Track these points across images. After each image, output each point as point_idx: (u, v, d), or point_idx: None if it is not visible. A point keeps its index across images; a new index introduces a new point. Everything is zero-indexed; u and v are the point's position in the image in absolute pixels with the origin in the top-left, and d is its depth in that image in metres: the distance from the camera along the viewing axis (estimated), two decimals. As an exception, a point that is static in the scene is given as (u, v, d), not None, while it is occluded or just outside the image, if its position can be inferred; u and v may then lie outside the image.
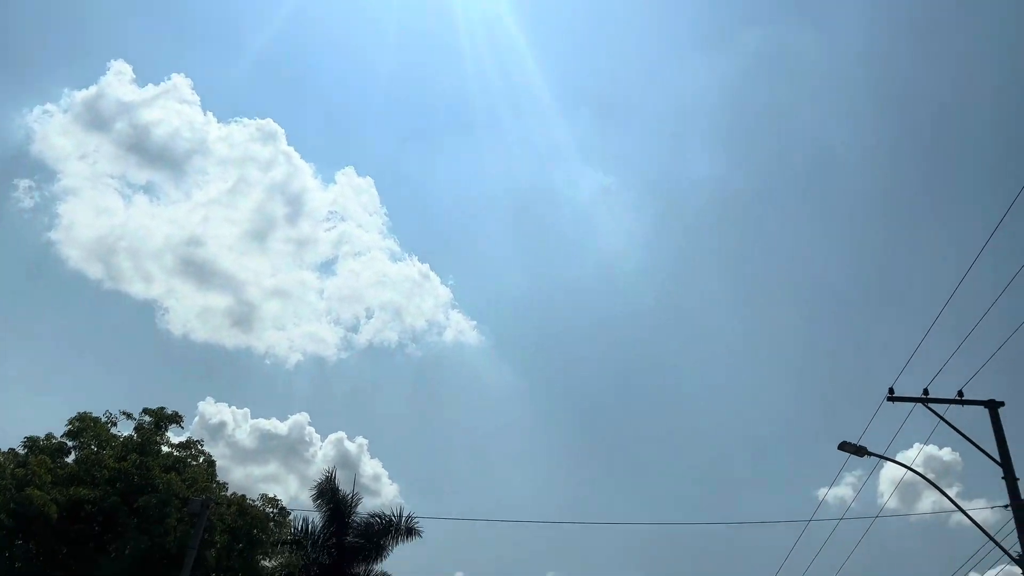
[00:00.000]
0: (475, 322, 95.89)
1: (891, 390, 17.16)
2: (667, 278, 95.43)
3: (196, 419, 57.50)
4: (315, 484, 35.90)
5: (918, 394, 17.01)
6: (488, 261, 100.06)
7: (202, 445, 18.43)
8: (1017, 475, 15.54)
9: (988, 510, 23.67)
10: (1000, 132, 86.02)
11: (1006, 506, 15.37)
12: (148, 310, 78.64)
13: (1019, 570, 14.82)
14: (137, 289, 74.90)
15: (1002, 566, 16.42)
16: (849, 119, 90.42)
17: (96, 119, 66.89)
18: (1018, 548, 14.96)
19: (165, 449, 17.80)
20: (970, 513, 15.71)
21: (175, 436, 18.40)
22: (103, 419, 17.37)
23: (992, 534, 15.55)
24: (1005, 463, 15.67)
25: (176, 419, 18.10)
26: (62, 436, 16.98)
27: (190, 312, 74.55)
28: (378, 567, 34.79)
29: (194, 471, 17.26)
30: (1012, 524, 15.19)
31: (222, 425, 61.64)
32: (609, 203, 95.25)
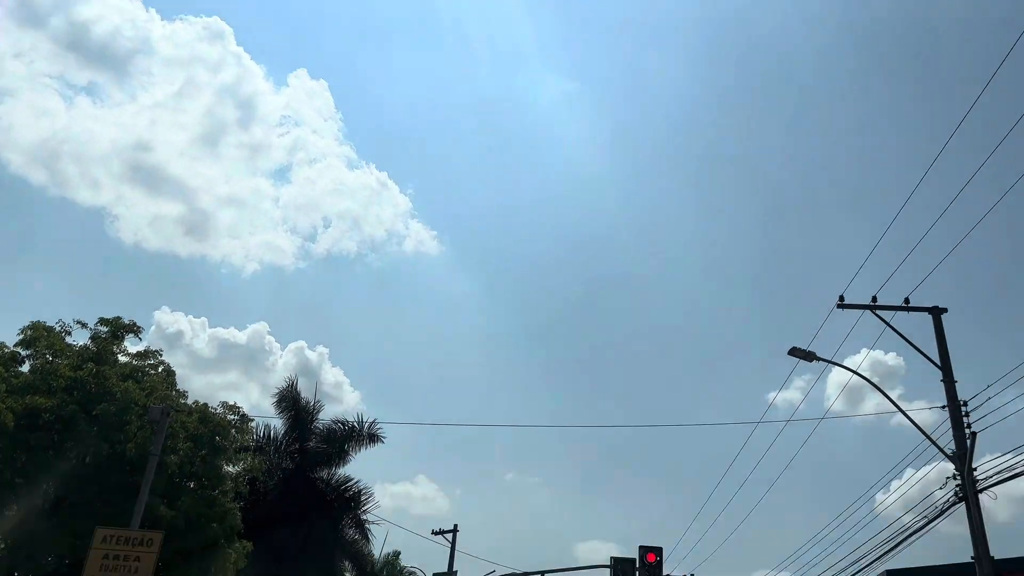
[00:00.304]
0: (435, 232, 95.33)
1: (841, 297, 17.63)
2: (628, 185, 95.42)
3: (152, 328, 57.01)
4: (276, 392, 36.25)
5: (867, 301, 17.52)
6: (448, 169, 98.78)
7: (161, 355, 18.27)
8: (956, 378, 16.24)
9: (927, 411, 24.72)
10: (964, 39, 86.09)
11: (943, 407, 16.10)
12: (97, 217, 76.63)
13: (952, 466, 15.63)
14: (84, 196, 72.68)
15: (937, 463, 17.29)
16: (811, 25, 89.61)
17: (31, 15, 63.40)
18: (952, 446, 15.75)
19: (122, 359, 17.62)
20: (910, 414, 16.43)
21: (132, 346, 18.24)
22: (57, 328, 17.11)
23: (929, 433, 16.33)
24: (945, 367, 16.34)
25: (133, 329, 17.86)
26: (15, 346, 16.71)
27: (141, 220, 72.78)
28: (341, 471, 35.58)
29: (153, 380, 17.16)
30: (948, 424, 15.96)
31: (179, 334, 61.19)
32: (572, 110, 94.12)
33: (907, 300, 17.28)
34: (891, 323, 17.13)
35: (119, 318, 17.75)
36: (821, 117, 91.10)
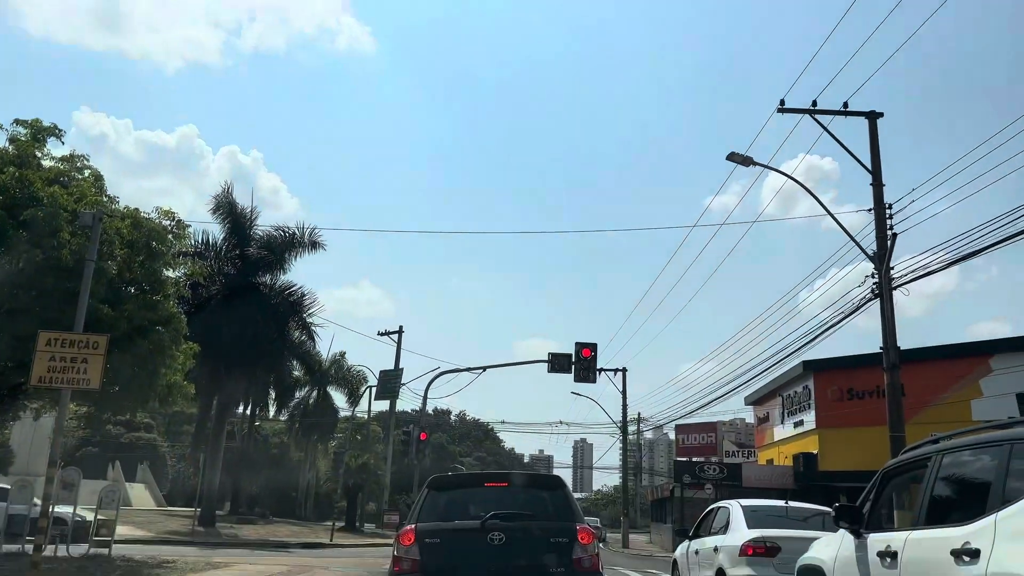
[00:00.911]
0: (370, 28, 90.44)
1: (782, 102, 17.63)
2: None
3: (73, 130, 54.36)
4: (212, 198, 35.58)
5: (807, 107, 17.59)
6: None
7: (88, 159, 17.43)
8: (886, 182, 16.75)
9: (855, 214, 25.57)
10: None
11: (870, 210, 16.71)
12: (-1, 10, 70.23)
13: (872, 266, 16.47)
14: (-18, -14, 66.08)
15: (859, 263, 18.17)
16: None
17: None
18: (875, 247, 16.51)
19: (46, 163, 16.80)
20: (839, 217, 17.02)
21: (55, 150, 17.36)
22: (-33, 130, 16.11)
23: (855, 235, 17.04)
24: (875, 170, 16.79)
25: (54, 132, 16.89)
26: (-75, 149, 15.76)
27: (48, 11, 67.01)
28: (284, 277, 35.87)
29: (80, 186, 16.50)
30: (873, 226, 16.64)
31: (103, 137, 58.67)
32: None
33: (845, 104, 17.40)
34: (828, 128, 17.32)
35: (38, 120, 16.77)
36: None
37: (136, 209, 16.94)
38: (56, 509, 25.66)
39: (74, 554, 16.05)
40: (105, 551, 16.60)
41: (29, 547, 13.85)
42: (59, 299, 14.70)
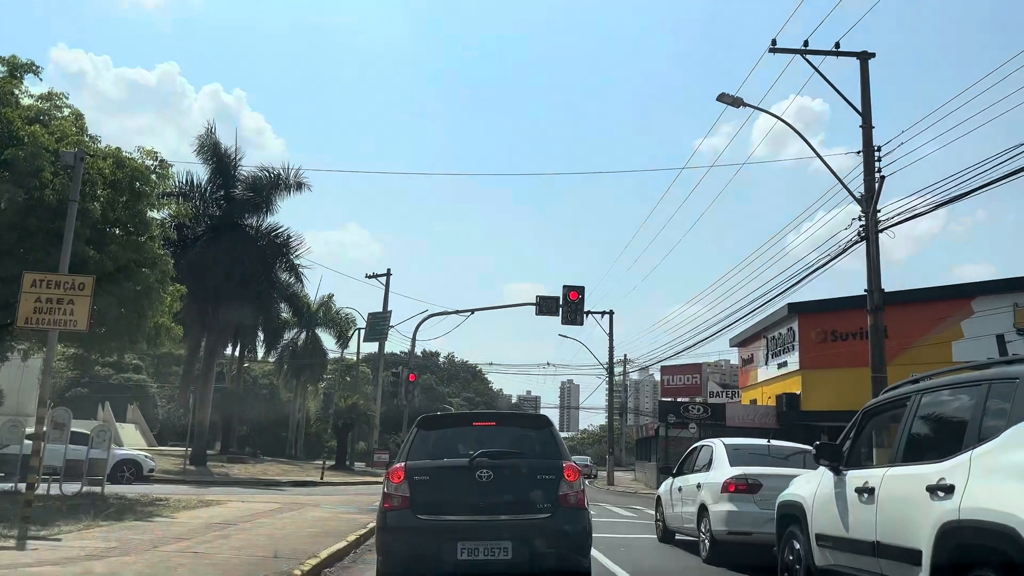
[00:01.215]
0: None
1: (774, 42, 17.43)
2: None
3: (51, 67, 53.07)
4: (195, 138, 35.06)
5: (799, 47, 17.38)
6: None
7: (67, 97, 17.04)
8: (874, 124, 16.67)
9: (844, 156, 25.44)
10: None
11: (858, 152, 16.67)
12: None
13: (859, 208, 16.51)
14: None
15: (847, 206, 18.21)
16: None
17: None
18: (862, 189, 16.52)
19: (25, 102, 16.42)
20: (829, 159, 17.00)
21: (34, 87, 16.96)
22: (-59, 66, 15.69)
23: (844, 178, 17.04)
24: (865, 112, 16.69)
25: (32, 68, 16.46)
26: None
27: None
28: (270, 219, 35.65)
29: (61, 124, 16.18)
30: (862, 168, 16.62)
31: (82, 75, 57.35)
32: None
33: (837, 45, 17.21)
34: (820, 69, 17.15)
35: (15, 56, 16.35)
36: None
37: (118, 148, 16.68)
38: (121, 451, 26.64)
39: (67, 492, 16.26)
40: (98, 489, 16.81)
41: (22, 486, 14.00)
42: (44, 240, 14.57)
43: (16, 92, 16.15)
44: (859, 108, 16.73)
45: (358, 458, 48.85)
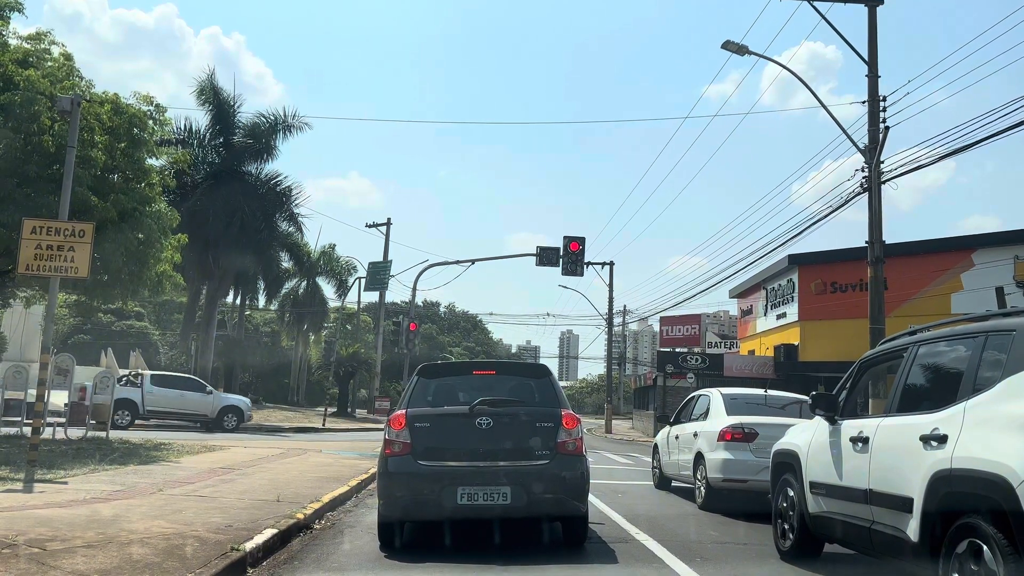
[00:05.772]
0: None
1: (781, -13, 17.07)
2: None
3: (46, 8, 52.03)
4: (195, 81, 34.64)
5: (806, -8, 17.04)
6: None
7: (54, 37, 16.45)
8: (880, 73, 16.44)
9: (851, 106, 25.13)
10: None
11: (864, 102, 16.47)
12: None
13: (863, 159, 16.38)
14: None
15: (852, 155, 18.06)
16: None
17: None
18: (867, 140, 16.37)
19: (13, 42, 15.93)
20: (839, 108, 16.81)
21: (21, 28, 16.47)
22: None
23: (849, 128, 16.86)
24: (872, 61, 16.44)
25: (16, 6, 15.97)
26: None
27: None
28: (270, 166, 35.44)
29: (52, 68, 15.76)
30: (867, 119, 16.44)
31: (77, 16, 56.33)
32: None
33: (846, -9, 16.86)
34: (827, 16, 16.84)
35: (-3, -7, 15.85)
36: None
37: (115, 94, 16.45)
38: (227, 396, 27.33)
39: (72, 437, 16.47)
40: (103, 434, 17.03)
41: (27, 430, 14.18)
42: (43, 186, 14.50)
43: (3, 33, 15.74)
44: (866, 57, 16.47)
45: (359, 405, 49.34)
